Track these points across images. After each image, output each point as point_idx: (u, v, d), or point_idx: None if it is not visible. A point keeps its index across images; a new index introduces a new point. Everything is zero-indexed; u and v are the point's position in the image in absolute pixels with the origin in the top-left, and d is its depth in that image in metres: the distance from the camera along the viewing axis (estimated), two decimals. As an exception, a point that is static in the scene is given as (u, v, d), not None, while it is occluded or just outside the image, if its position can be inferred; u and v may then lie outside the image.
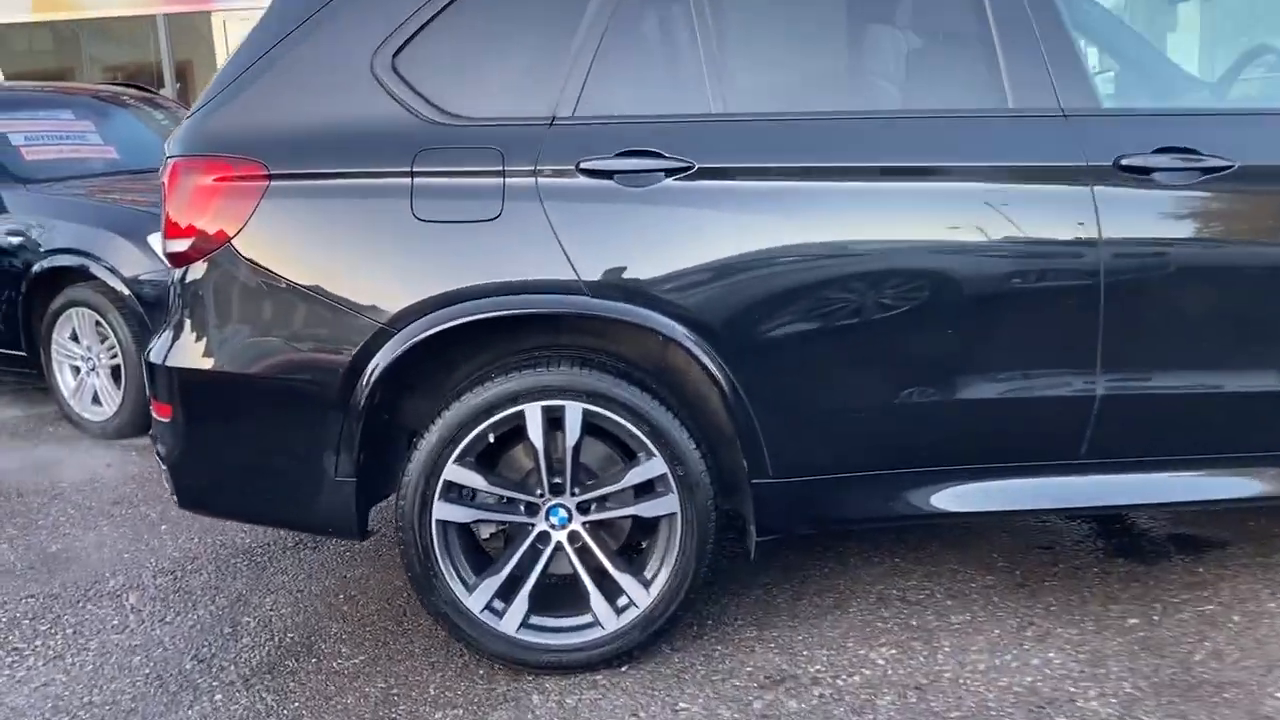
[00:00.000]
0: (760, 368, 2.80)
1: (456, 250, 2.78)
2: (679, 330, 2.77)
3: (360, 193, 2.81)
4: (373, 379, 2.78)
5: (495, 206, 2.76)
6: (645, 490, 2.92)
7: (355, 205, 2.81)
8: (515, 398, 2.80)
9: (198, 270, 2.89)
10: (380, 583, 3.57)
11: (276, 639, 3.22)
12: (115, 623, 3.38)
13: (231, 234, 2.83)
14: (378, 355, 2.78)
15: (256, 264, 2.83)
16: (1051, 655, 2.89)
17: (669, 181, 2.76)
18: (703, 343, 2.78)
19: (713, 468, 2.87)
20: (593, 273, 2.75)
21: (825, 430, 2.86)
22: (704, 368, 2.80)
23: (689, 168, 2.75)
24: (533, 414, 2.81)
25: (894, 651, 2.95)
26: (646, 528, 3.01)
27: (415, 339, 2.76)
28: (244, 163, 2.82)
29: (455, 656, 3.05)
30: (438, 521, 2.86)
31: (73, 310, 5.49)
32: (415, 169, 2.78)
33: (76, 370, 5.58)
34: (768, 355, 2.79)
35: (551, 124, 2.81)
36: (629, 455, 2.96)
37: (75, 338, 5.53)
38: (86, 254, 5.40)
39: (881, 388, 2.83)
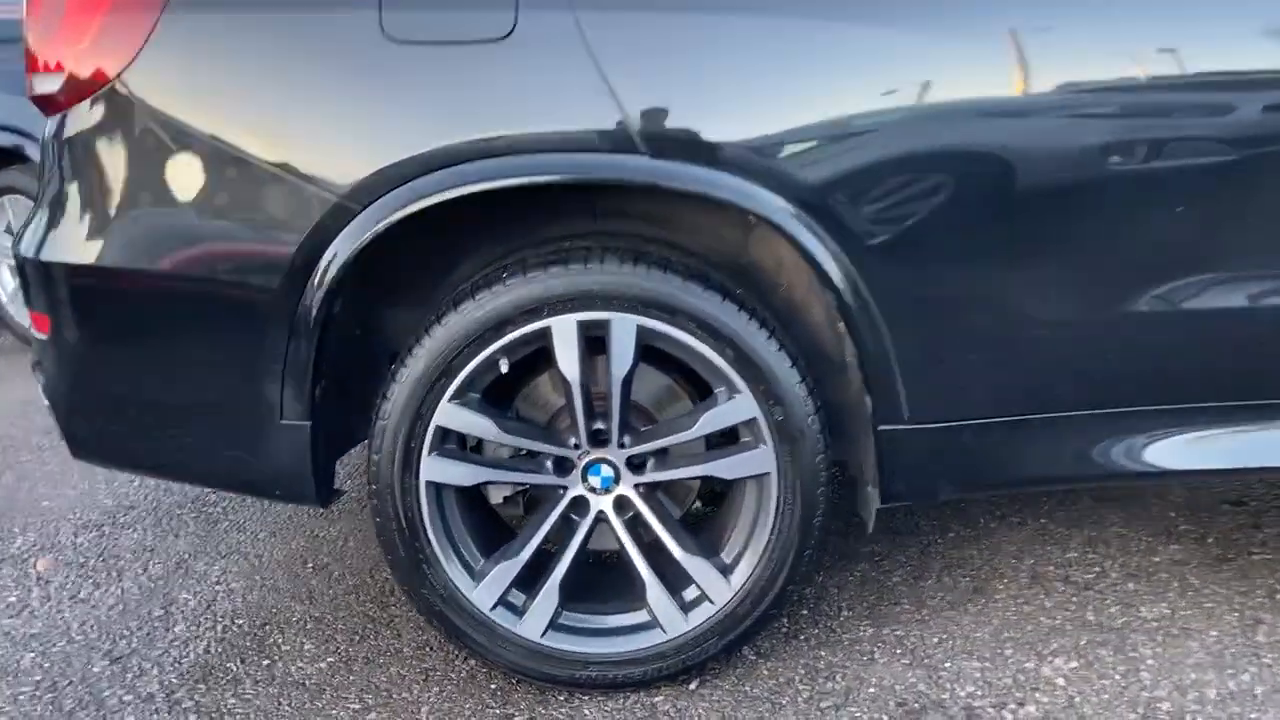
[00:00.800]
0: (901, 264, 1.89)
1: (448, 85, 1.86)
2: (778, 206, 1.86)
3: (303, 1, 1.89)
4: (329, 277, 1.89)
5: (505, 18, 1.83)
6: (725, 441, 2.05)
7: (296, 21, 1.89)
8: (538, 308, 1.91)
9: (76, 121, 1.99)
10: (361, 546, 2.73)
11: (220, 627, 2.39)
12: (13, 600, 2.56)
13: (119, 67, 1.92)
14: (336, 243, 1.89)
15: (156, 111, 1.92)
16: (1301, 673, 2.04)
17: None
18: (814, 225, 1.87)
19: (821, 410, 1.99)
20: (652, 121, 1.83)
21: (992, 354, 1.96)
22: (813, 263, 1.89)
23: (797, -44, 1.82)
24: (564, 332, 1.92)
25: (1074, 665, 2.09)
26: (723, 495, 2.15)
27: (389, 219, 1.86)
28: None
29: (459, 661, 2.22)
30: (428, 484, 1.99)
31: (6, 199, 4.61)
32: (384, -40, 1.85)
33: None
34: (914, 246, 1.88)
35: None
36: (701, 392, 2.08)
37: (11, 231, 4.66)
38: (22, 133, 4.50)
39: (1083, 292, 1.92)
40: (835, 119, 1.83)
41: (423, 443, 1.96)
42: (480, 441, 2.10)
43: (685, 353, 1.96)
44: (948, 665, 2.11)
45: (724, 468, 2.00)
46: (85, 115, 1.97)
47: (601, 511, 2.05)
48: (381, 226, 1.87)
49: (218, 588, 2.57)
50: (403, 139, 1.85)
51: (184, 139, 1.91)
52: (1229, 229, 1.89)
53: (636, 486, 2.04)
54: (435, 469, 1.98)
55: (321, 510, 2.89)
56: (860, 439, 2.07)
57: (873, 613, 2.31)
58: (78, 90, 1.97)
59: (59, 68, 1.98)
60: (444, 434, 1.98)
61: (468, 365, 1.93)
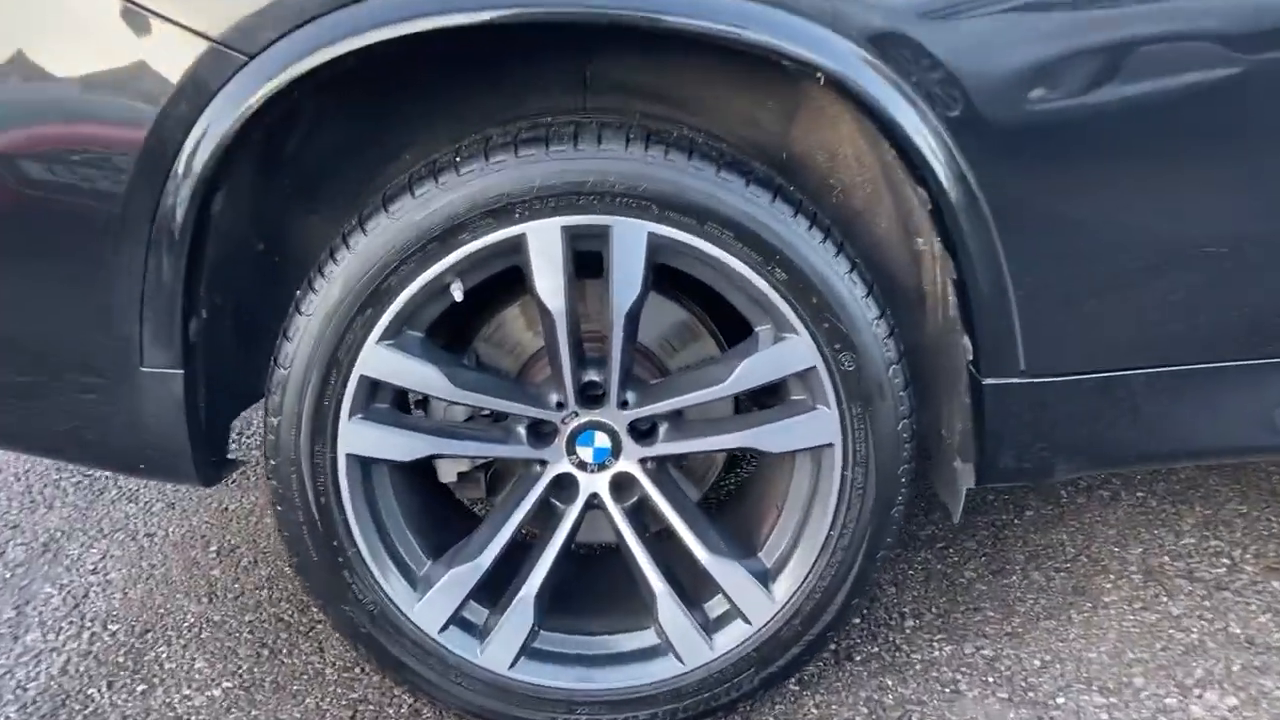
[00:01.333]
0: (1039, 152, 1.31)
1: None
2: (847, 52, 1.26)
3: None
4: (199, 164, 1.30)
5: None
6: (764, 400, 1.49)
7: None
8: (507, 208, 1.31)
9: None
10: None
11: (87, 636, 1.82)
12: None
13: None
14: (208, 113, 1.28)
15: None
16: None
17: None
18: (907, 86, 1.28)
19: (905, 359, 1.42)
20: None
21: (1158, 279, 1.39)
22: (903, 145, 1.31)
23: None
24: (543, 243, 1.33)
25: (1232, 702, 1.55)
26: (755, 474, 1.59)
27: (285, 76, 1.26)
28: None
29: (401, 693, 1.65)
30: (350, 459, 1.41)
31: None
32: None
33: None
34: (1066, 126, 1.30)
35: None
36: (730, 333, 1.52)
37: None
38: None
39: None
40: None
41: (340, 400, 1.38)
42: (426, 399, 1.52)
43: (716, 275, 1.38)
44: (1061, 702, 1.57)
45: (768, 437, 1.43)
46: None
47: (594, 495, 1.48)
48: (274, 87, 1.26)
49: (91, 579, 1.99)
50: (303, -52, 1.24)
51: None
52: None
53: (643, 461, 1.47)
54: (360, 437, 1.40)
55: (231, 478, 2.30)
56: (948, 397, 1.50)
57: (947, 623, 1.76)
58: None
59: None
60: (372, 388, 1.39)
61: (404, 291, 1.34)
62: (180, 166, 1.30)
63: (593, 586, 1.61)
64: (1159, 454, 1.51)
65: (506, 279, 1.43)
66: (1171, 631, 1.71)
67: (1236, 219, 1.36)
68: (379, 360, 1.37)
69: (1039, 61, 1.27)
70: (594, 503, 1.48)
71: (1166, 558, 1.91)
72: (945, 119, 1.29)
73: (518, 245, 1.34)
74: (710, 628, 1.49)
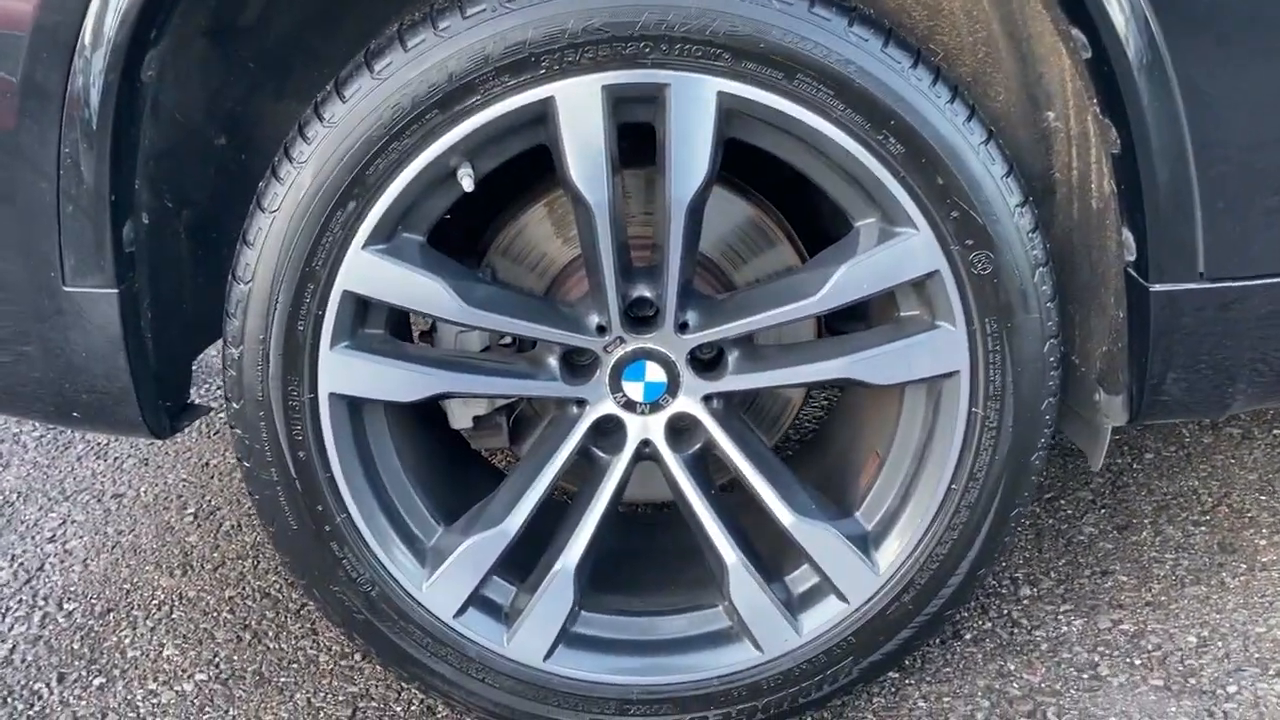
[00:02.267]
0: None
1: None
2: None
3: None
4: (115, 26, 0.98)
5: None
6: (853, 319, 1.17)
7: None
8: (528, 60, 0.98)
9: None
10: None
11: (38, 618, 1.53)
12: None
13: None
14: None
15: None
16: None
17: None
18: None
19: (1051, 260, 1.10)
20: None
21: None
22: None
23: None
24: (578, 109, 1.01)
25: None
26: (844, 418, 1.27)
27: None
28: None
29: (409, 690, 1.35)
30: (334, 399, 1.09)
31: None
32: None
33: None
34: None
35: None
36: (810, 233, 1.21)
37: None
38: None
39: None
40: None
41: (319, 324, 1.06)
42: (433, 324, 1.20)
43: (805, 151, 1.05)
44: (1232, 690, 1.25)
45: (874, 366, 1.10)
46: None
47: (646, 443, 1.16)
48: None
49: (48, 548, 1.69)
50: None
51: None
52: None
53: (707, 399, 1.15)
54: (346, 372, 1.08)
55: (215, 427, 1.99)
56: (1086, 312, 1.17)
57: (1072, 590, 1.45)
58: None
59: None
60: (360, 307, 1.08)
61: (397, 178, 1.02)
62: (87, 34, 0.98)
63: (646, 556, 1.30)
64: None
65: (528, 167, 1.11)
66: (1254, 598, 1.39)
67: None
68: (367, 271, 1.05)
69: None
70: (646, 452, 1.16)
71: (1254, 495, 1.59)
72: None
73: (544, 114, 1.01)
74: (795, 606, 1.18)
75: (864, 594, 1.16)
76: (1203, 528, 1.56)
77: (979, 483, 1.12)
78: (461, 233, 1.27)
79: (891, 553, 1.15)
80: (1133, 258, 1.11)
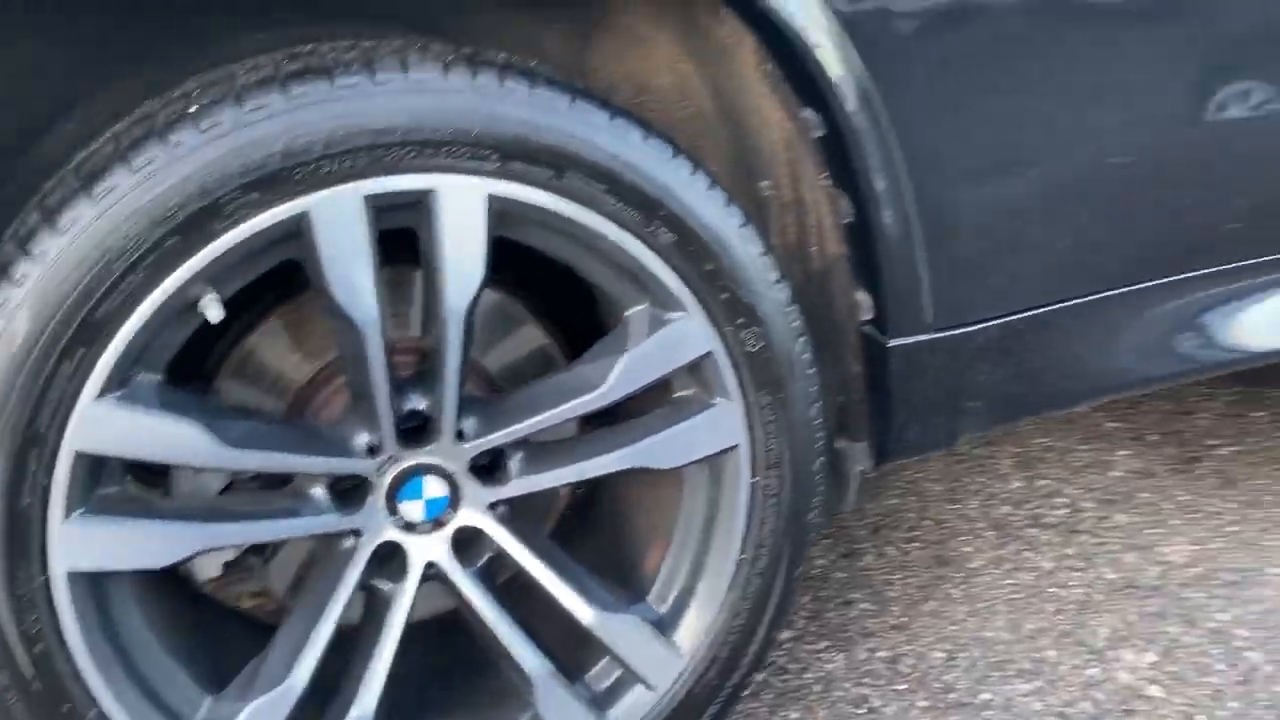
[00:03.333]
0: (947, 60, 1.08)
1: None
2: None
3: None
4: None
5: None
6: (638, 407, 1.16)
7: None
8: (279, 175, 0.89)
9: None
10: None
11: None
12: None
13: None
14: None
15: None
16: None
17: None
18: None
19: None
20: None
21: (1062, 194, 1.19)
22: (795, 52, 1.03)
23: None
24: (337, 221, 0.92)
25: (1152, 658, 1.41)
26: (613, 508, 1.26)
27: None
28: None
29: None
30: (70, 577, 0.93)
31: None
32: None
33: None
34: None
35: None
36: (567, 330, 1.19)
37: None
38: None
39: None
40: None
41: (47, 494, 0.90)
42: (165, 471, 1.06)
43: (573, 246, 1.03)
44: (988, 698, 1.36)
45: (661, 450, 1.09)
46: None
47: (431, 564, 1.08)
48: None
49: None
50: None
51: None
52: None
53: (493, 507, 1.09)
54: (84, 545, 0.92)
55: None
56: (833, 365, 1.24)
57: (824, 626, 1.51)
58: None
59: None
60: (94, 467, 0.93)
61: (132, 316, 0.89)
62: None
63: (451, 669, 1.21)
64: (1065, 396, 1.33)
65: (263, 283, 1.01)
66: (1053, 590, 1.56)
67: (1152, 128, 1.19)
68: (102, 425, 0.90)
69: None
70: (431, 573, 1.08)
71: (1007, 507, 1.78)
72: (845, 17, 1.02)
73: (299, 229, 0.92)
74: (603, 703, 1.15)
75: (669, 678, 1.14)
76: (916, 544, 1.69)
77: (767, 549, 1.14)
78: (179, 358, 1.13)
79: (691, 632, 1.15)
80: (869, 316, 1.18)
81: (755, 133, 1.23)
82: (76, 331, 0.87)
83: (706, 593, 1.15)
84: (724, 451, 1.11)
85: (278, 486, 1.08)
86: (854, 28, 1.02)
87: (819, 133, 1.09)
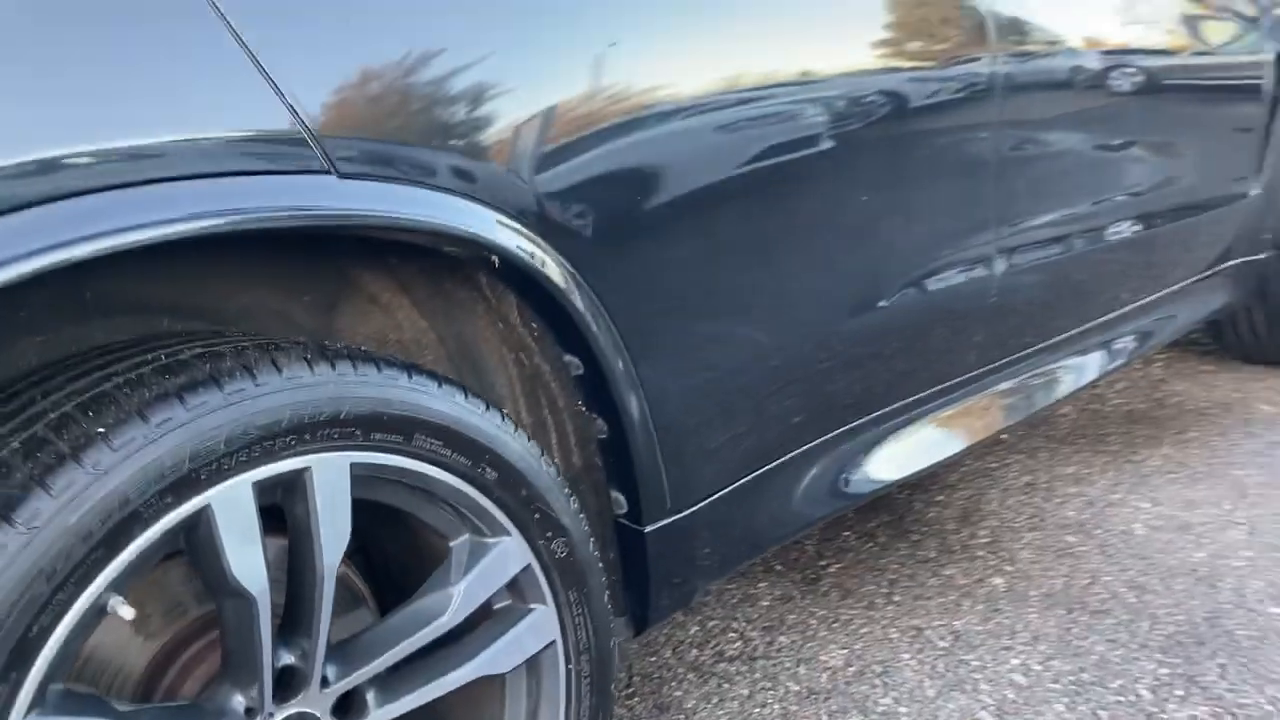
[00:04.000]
0: (654, 291, 1.40)
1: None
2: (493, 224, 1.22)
3: None
4: None
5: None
6: (470, 623, 1.32)
7: None
8: (188, 478, 0.99)
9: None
10: None
11: None
12: None
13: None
14: None
15: None
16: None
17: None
18: (551, 248, 1.27)
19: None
20: (333, 120, 1.08)
21: (752, 391, 1.54)
22: (567, 311, 1.30)
23: None
24: (231, 509, 1.03)
25: (850, 746, 1.76)
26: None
27: None
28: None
29: None
30: None
31: None
32: None
33: None
34: (666, 266, 1.40)
35: None
36: (404, 563, 1.34)
37: None
38: None
39: (826, 294, 1.61)
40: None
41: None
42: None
43: (410, 495, 1.20)
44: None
45: (498, 659, 1.27)
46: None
47: (308, 802, 1.16)
48: None
49: None
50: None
51: None
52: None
53: (370, 741, 1.20)
54: None
55: None
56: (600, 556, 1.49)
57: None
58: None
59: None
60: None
61: (56, 632, 0.94)
62: None
63: None
64: (772, 538, 1.67)
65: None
66: (757, 710, 1.87)
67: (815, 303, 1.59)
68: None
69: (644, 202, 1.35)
70: (307, 812, 1.16)
71: (694, 650, 2.08)
72: (591, 275, 1.31)
73: (198, 521, 1.02)
74: None
75: None
76: (636, 697, 1.94)
77: (588, 723, 1.34)
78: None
79: (532, 813, 1.31)
80: (624, 510, 1.45)
81: (490, 372, 1.47)
82: (8, 659, 0.90)
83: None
84: (546, 648, 1.31)
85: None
86: (606, 297, 1.31)
87: (578, 371, 1.36)
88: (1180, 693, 1.82)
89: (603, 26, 1.33)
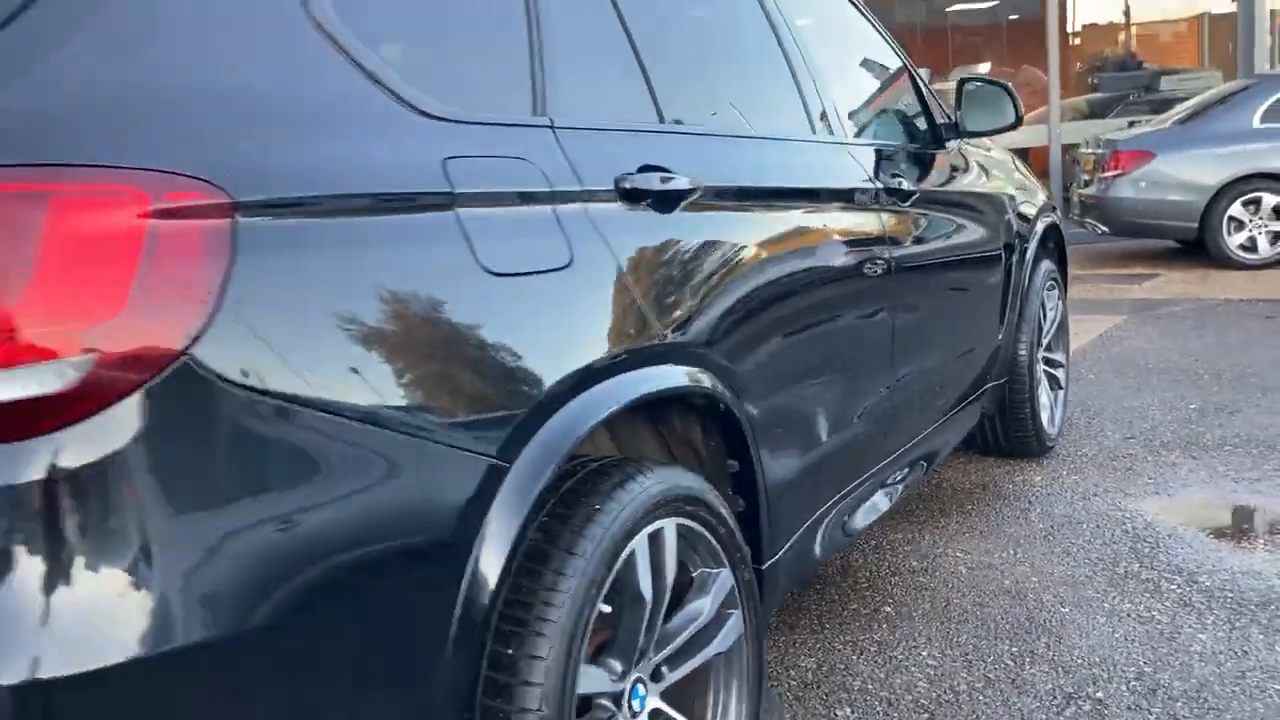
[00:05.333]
0: (767, 394, 2.34)
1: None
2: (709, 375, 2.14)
3: (386, 235, 1.53)
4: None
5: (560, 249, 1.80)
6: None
7: (380, 255, 1.52)
8: (645, 517, 1.86)
9: (99, 434, 1.23)
10: None
11: None
12: None
13: (189, 335, 1.28)
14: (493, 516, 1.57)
15: (242, 389, 1.33)
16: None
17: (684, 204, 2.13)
18: (719, 382, 2.18)
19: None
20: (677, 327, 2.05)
21: (810, 471, 2.54)
22: (722, 411, 2.19)
23: (695, 189, 2.15)
24: (649, 542, 1.89)
25: (849, 710, 2.71)
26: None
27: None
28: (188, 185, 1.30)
29: None
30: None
31: None
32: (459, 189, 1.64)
33: None
34: (773, 380, 2.37)
35: (554, 128, 1.92)
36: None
37: None
38: None
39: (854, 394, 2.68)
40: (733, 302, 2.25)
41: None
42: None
43: (683, 541, 2.04)
44: (806, 750, 2.53)
45: (723, 641, 2.12)
46: (123, 420, 1.23)
47: (657, 720, 1.98)
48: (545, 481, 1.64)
49: None
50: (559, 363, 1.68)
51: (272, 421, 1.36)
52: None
53: (663, 695, 2.02)
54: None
55: None
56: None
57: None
58: (113, 384, 1.22)
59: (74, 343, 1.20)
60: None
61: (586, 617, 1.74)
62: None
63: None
64: (808, 573, 2.62)
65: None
66: None
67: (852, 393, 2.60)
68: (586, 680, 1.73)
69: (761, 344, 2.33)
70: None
71: None
72: (747, 404, 2.23)
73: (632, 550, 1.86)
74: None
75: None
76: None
77: (755, 698, 2.21)
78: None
79: (736, 735, 2.16)
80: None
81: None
82: (579, 621, 1.71)
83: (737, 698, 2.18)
84: (738, 641, 2.18)
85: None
86: (754, 417, 2.23)
87: (734, 470, 2.26)
88: (1027, 661, 2.91)
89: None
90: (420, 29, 1.79)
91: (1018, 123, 3.58)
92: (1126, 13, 17.04)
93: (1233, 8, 15.83)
